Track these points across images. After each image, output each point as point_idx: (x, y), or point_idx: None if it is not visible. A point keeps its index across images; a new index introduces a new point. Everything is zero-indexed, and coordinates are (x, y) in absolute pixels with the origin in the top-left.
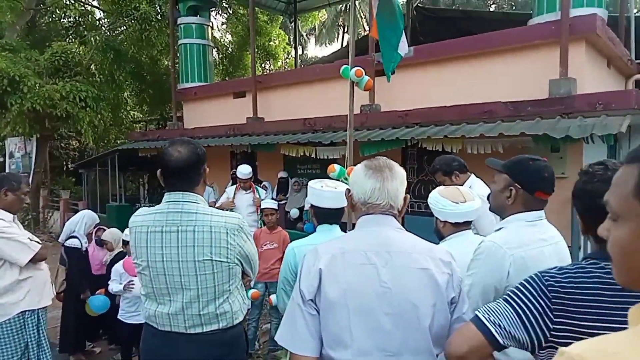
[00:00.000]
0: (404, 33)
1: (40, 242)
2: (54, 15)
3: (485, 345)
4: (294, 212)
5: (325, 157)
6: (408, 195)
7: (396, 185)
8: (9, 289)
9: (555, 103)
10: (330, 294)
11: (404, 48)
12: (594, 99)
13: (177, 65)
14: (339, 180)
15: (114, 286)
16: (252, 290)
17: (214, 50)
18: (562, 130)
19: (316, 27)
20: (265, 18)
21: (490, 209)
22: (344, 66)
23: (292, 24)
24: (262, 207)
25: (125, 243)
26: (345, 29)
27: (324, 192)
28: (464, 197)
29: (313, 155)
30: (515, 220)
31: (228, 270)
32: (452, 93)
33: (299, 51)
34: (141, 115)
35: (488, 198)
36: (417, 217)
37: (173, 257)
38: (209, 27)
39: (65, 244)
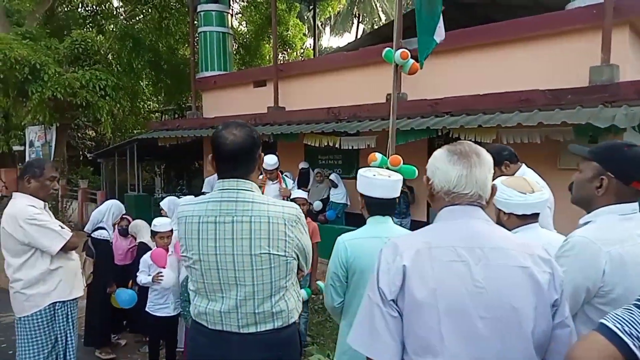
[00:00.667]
0: (441, 18)
1: (70, 230)
2: (72, 4)
3: None
4: (317, 205)
5: (350, 147)
6: (495, 184)
7: (485, 172)
8: (40, 279)
9: (597, 91)
10: (417, 294)
11: (440, 34)
12: None
13: (197, 53)
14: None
15: (142, 278)
16: None
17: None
18: (607, 119)
19: (331, 17)
20: (283, 7)
21: (572, 201)
22: (387, 49)
23: (311, 12)
24: (292, 196)
25: (154, 234)
26: (360, 19)
27: (376, 180)
28: (532, 187)
29: (337, 145)
30: (606, 214)
31: (285, 265)
32: (484, 81)
33: (317, 41)
34: (157, 105)
35: None
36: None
37: (227, 250)
38: (229, 15)
39: (92, 235)
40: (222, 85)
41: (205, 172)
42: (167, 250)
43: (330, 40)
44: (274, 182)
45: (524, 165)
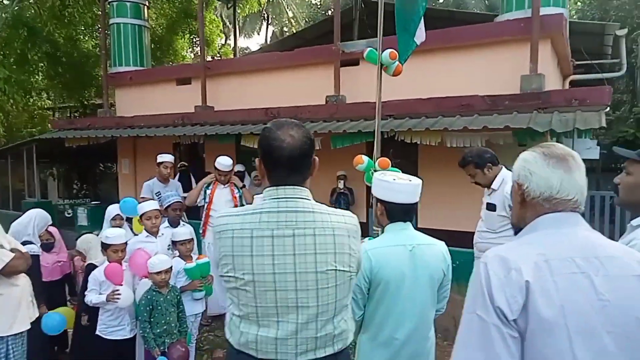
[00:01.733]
0: (422, 20)
1: (18, 250)
2: None
3: None
4: None
5: None
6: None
7: (583, 176)
8: None
9: (532, 98)
10: (545, 313)
11: (420, 36)
12: (570, 95)
13: (108, 46)
14: (368, 173)
15: (92, 297)
16: None
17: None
18: (545, 124)
19: (240, 18)
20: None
21: (619, 204)
22: (369, 49)
23: (230, 9)
24: None
25: (106, 247)
26: (269, 21)
27: (398, 185)
28: None
29: None
30: None
31: (349, 282)
32: (426, 86)
33: (226, 40)
34: (50, 102)
35: None
36: None
37: (287, 268)
38: (145, 7)
39: None
40: (139, 82)
41: (120, 176)
42: (121, 265)
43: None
44: (225, 186)
45: (504, 167)
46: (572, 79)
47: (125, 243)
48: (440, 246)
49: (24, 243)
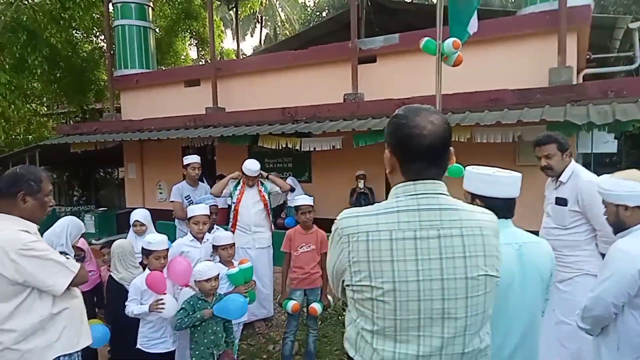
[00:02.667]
0: (476, 11)
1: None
2: None
3: None
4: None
5: (313, 149)
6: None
7: None
8: (39, 328)
9: (565, 90)
10: None
11: (474, 26)
12: (606, 86)
13: (113, 49)
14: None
15: (134, 308)
16: (291, 302)
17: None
18: (583, 117)
19: (233, 20)
20: (199, 1)
21: None
22: (427, 39)
23: (230, 9)
24: (297, 204)
25: (148, 253)
26: (263, 23)
27: (500, 178)
28: None
29: (297, 147)
30: None
31: (495, 288)
32: (451, 81)
33: (228, 43)
34: (45, 108)
35: None
36: None
37: (434, 274)
38: (150, 8)
39: None
40: (146, 85)
41: (126, 180)
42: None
43: (233, 44)
44: (254, 188)
45: (573, 159)
46: (585, 73)
47: (168, 249)
48: (546, 245)
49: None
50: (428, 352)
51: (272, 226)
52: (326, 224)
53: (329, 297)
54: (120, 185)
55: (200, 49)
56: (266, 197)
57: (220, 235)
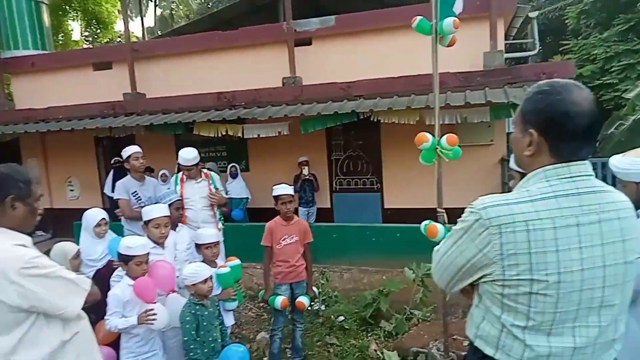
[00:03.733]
0: None
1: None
2: None
3: None
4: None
5: (256, 136)
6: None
7: None
8: None
9: (503, 73)
10: None
11: (459, 7)
12: (539, 69)
13: None
14: (434, 151)
15: (117, 322)
16: (279, 298)
17: None
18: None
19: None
20: None
21: None
22: (420, 17)
23: None
24: (276, 193)
25: (127, 259)
26: (157, 3)
27: None
28: None
29: (239, 134)
30: None
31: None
32: (388, 65)
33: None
34: None
35: None
36: (346, 194)
37: (596, 262)
38: None
39: None
40: (44, 68)
41: None
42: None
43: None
44: (198, 180)
45: None
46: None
47: (148, 253)
48: None
49: None
50: (584, 342)
51: (219, 223)
52: (266, 214)
53: (314, 289)
54: None
55: (95, 29)
56: (213, 191)
57: (204, 233)
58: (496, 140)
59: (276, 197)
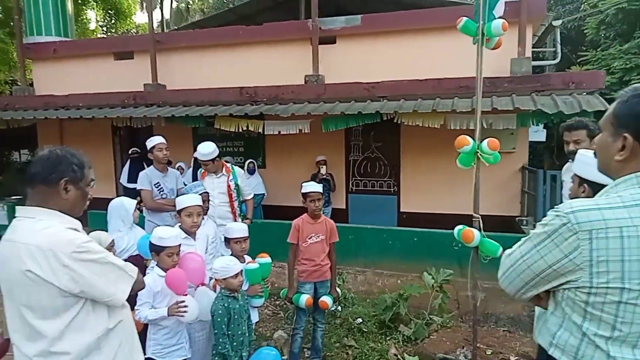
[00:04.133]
0: None
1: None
2: None
3: None
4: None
5: (277, 133)
6: None
7: None
8: (94, 348)
9: (531, 80)
10: None
11: (500, 10)
12: (568, 78)
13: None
14: (473, 155)
15: (147, 313)
16: (304, 296)
17: None
18: (553, 106)
19: None
20: None
21: None
22: (465, 19)
23: None
24: (305, 190)
25: (159, 250)
26: None
27: None
28: None
29: (260, 130)
30: None
31: None
32: (401, 67)
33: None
34: None
35: None
36: (362, 195)
37: None
38: None
39: None
40: (66, 55)
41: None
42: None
43: (138, 17)
44: (219, 175)
45: None
46: None
47: (180, 245)
48: None
49: None
50: None
51: (238, 219)
52: (280, 212)
53: (337, 290)
54: (21, 171)
55: (113, 19)
56: (232, 187)
57: (234, 227)
58: (518, 148)
59: (305, 195)
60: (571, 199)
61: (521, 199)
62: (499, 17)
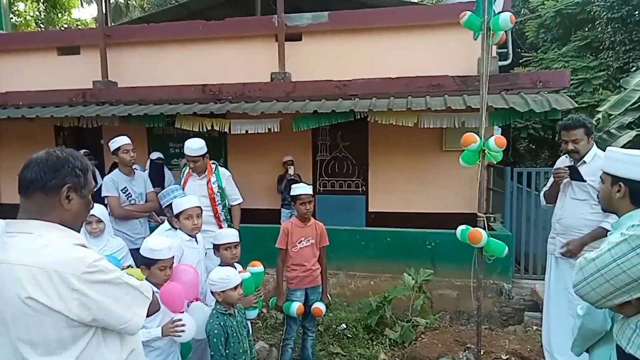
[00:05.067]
0: None
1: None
2: None
3: None
4: None
5: (244, 132)
6: None
7: None
8: None
9: (501, 79)
10: None
11: (499, 5)
12: (536, 77)
13: None
14: (478, 153)
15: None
16: (295, 304)
17: None
18: (524, 105)
19: None
20: None
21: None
22: (470, 13)
23: None
24: (296, 193)
25: (150, 263)
26: None
27: None
28: None
29: (226, 130)
30: None
31: None
32: (370, 65)
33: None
34: None
35: None
36: (330, 196)
37: None
38: None
39: None
40: (1, 49)
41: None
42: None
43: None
44: (201, 176)
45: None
46: None
47: (173, 257)
48: None
49: None
50: None
51: (224, 225)
52: (246, 215)
53: (328, 296)
54: None
55: (50, 12)
56: (215, 189)
57: (223, 233)
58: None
59: (295, 197)
60: (601, 200)
61: (487, 196)
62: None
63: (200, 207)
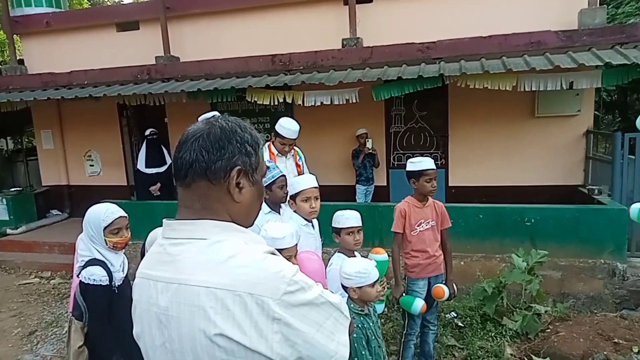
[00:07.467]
0: None
1: None
2: None
3: None
4: None
5: (319, 104)
6: None
7: None
8: None
9: (614, 32)
10: None
11: None
12: None
13: None
14: None
15: None
16: (418, 304)
17: None
18: None
19: None
20: None
21: None
22: None
23: None
24: (422, 167)
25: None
26: None
27: None
28: None
29: (299, 102)
30: None
31: None
32: (461, 24)
33: None
34: None
35: None
36: (404, 171)
37: None
38: None
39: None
40: (60, 28)
41: (40, 152)
42: None
43: None
44: (288, 157)
45: None
46: None
47: (297, 244)
48: None
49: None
50: None
51: None
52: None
53: (454, 285)
54: (8, 160)
55: None
56: (302, 167)
57: (345, 215)
58: (583, 110)
59: (421, 172)
60: None
61: (585, 167)
62: None
63: (318, 187)
